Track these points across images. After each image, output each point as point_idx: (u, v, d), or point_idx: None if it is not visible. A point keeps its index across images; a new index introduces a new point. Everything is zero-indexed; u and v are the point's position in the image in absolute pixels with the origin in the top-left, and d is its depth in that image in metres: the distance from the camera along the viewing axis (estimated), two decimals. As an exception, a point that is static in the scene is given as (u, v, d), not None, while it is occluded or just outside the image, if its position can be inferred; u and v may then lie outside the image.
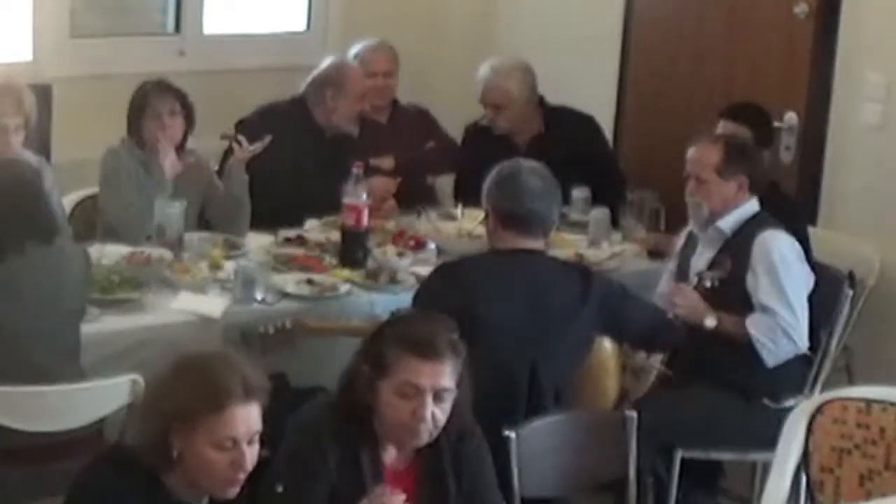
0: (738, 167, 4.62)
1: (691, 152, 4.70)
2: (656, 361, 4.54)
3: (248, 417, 3.00)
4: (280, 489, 3.29)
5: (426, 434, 3.39)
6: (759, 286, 4.49)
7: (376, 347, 3.42)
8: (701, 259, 4.67)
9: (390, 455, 3.45)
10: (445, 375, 3.38)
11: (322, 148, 5.49)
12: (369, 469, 3.39)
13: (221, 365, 3.02)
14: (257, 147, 5.03)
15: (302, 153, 5.36)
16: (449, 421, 3.42)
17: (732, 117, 5.05)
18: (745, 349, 4.49)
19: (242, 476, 3.01)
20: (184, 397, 2.97)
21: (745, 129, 4.97)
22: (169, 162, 4.92)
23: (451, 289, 4.06)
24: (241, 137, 5.07)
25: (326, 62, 5.63)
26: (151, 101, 4.94)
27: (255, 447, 3.03)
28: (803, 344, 4.54)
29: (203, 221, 5.09)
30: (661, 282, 4.85)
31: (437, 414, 3.37)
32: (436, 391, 3.37)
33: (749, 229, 4.59)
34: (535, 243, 4.20)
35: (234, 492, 3.03)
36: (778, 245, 4.53)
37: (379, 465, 3.42)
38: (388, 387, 3.37)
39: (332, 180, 5.15)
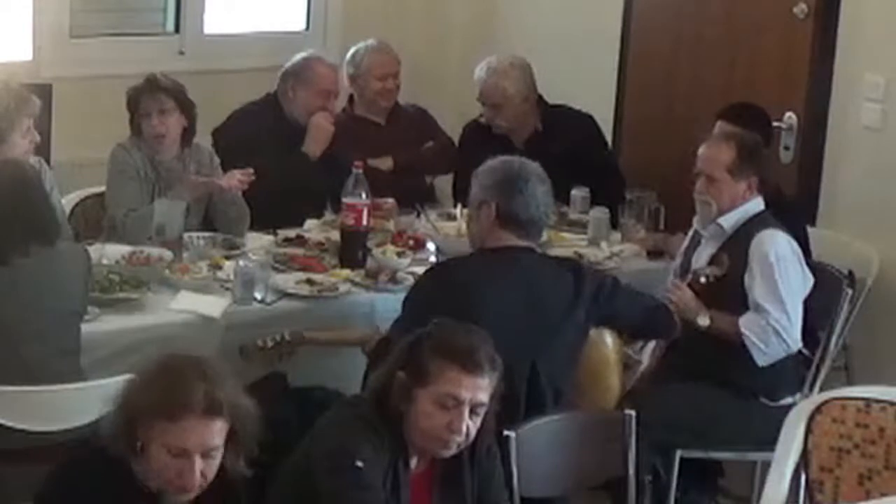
0: (750, 167, 4.61)
1: (703, 150, 4.69)
2: (645, 356, 4.55)
3: (202, 433, 2.99)
4: (360, 464, 3.29)
5: (455, 446, 3.40)
6: (755, 285, 4.49)
7: (417, 356, 3.41)
8: (702, 256, 4.67)
9: (413, 461, 3.47)
10: (484, 389, 3.40)
11: (298, 142, 5.50)
12: (403, 477, 3.40)
13: (193, 374, 3.01)
14: (245, 179, 5.01)
15: (279, 150, 5.37)
16: (476, 434, 3.43)
17: (730, 119, 5.02)
18: (741, 348, 4.49)
19: (191, 486, 3.00)
20: (148, 397, 2.99)
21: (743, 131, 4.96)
22: (191, 183, 4.93)
23: (444, 290, 4.06)
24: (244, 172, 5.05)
25: (297, 55, 5.65)
26: (142, 101, 4.94)
27: (213, 461, 3.02)
28: (795, 345, 4.53)
29: (207, 220, 5.08)
30: (668, 282, 4.85)
31: (470, 427, 3.39)
32: (473, 405, 3.38)
33: (749, 228, 4.58)
34: (527, 243, 4.21)
35: (185, 497, 3.03)
36: (775, 245, 4.52)
37: (408, 472, 3.44)
38: (426, 396, 3.37)
39: (312, 174, 5.23)
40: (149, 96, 4.93)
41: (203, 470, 3.00)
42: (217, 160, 5.12)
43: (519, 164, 4.26)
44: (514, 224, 4.18)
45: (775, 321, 4.46)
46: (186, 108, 4.99)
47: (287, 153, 5.43)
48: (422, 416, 3.38)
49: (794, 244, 4.58)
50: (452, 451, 3.41)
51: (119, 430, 3.01)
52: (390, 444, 3.39)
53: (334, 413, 3.51)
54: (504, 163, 4.28)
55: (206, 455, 3.00)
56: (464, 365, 3.37)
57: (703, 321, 4.51)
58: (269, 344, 4.28)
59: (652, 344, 4.56)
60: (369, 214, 4.90)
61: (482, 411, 3.41)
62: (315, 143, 5.51)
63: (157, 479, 3.01)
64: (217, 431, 3.01)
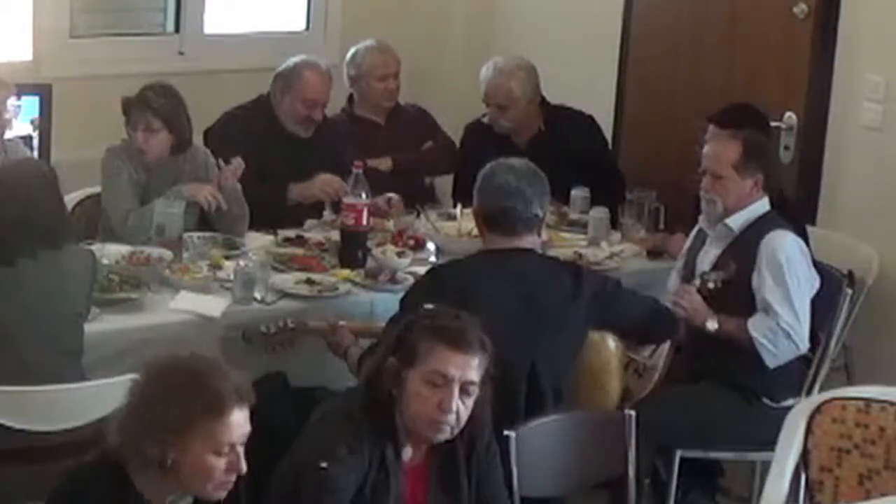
0: (756, 164, 4.59)
1: (708, 148, 4.69)
2: (660, 359, 4.54)
3: (244, 421, 3.04)
4: (324, 465, 3.30)
5: (447, 428, 3.41)
6: (764, 286, 4.49)
7: (406, 339, 3.44)
8: (707, 256, 4.66)
9: (407, 453, 3.48)
10: (474, 368, 3.41)
11: (287, 145, 5.49)
12: (393, 466, 3.41)
13: (213, 372, 3.04)
14: (238, 168, 5.00)
15: (268, 152, 5.35)
16: (468, 421, 3.44)
17: (721, 122, 4.97)
18: (746, 350, 4.49)
19: (234, 478, 3.05)
20: (184, 408, 2.97)
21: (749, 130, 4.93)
22: (194, 187, 4.94)
23: (441, 291, 4.04)
24: (225, 163, 5.01)
25: (292, 59, 5.62)
26: (132, 114, 4.92)
27: (242, 448, 3.07)
28: (804, 345, 4.54)
29: (206, 220, 5.07)
30: (670, 280, 4.86)
31: (460, 408, 3.40)
32: (463, 383, 3.39)
33: (757, 229, 4.57)
34: (522, 242, 4.20)
35: (223, 494, 3.06)
36: (785, 245, 4.52)
37: (399, 462, 3.44)
38: (416, 376, 3.39)
39: (296, 178, 5.27)
40: (138, 112, 4.90)
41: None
42: (213, 160, 5.09)
43: (492, 164, 4.27)
44: (494, 223, 4.20)
45: (785, 323, 4.46)
46: (175, 127, 4.92)
47: (273, 158, 5.38)
48: (413, 398, 3.39)
49: (803, 244, 4.59)
50: (445, 434, 3.42)
51: (146, 453, 2.98)
52: (379, 434, 3.39)
53: (322, 409, 3.53)
54: (485, 167, 4.29)
55: (243, 444, 3.05)
56: (452, 342, 3.39)
57: (712, 326, 4.51)
58: (272, 330, 4.30)
59: (665, 348, 4.55)
60: (370, 214, 4.90)
61: (473, 392, 3.42)
62: (303, 195, 5.42)
63: (199, 485, 3.01)
64: (248, 418, 3.06)
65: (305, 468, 3.35)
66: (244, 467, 3.04)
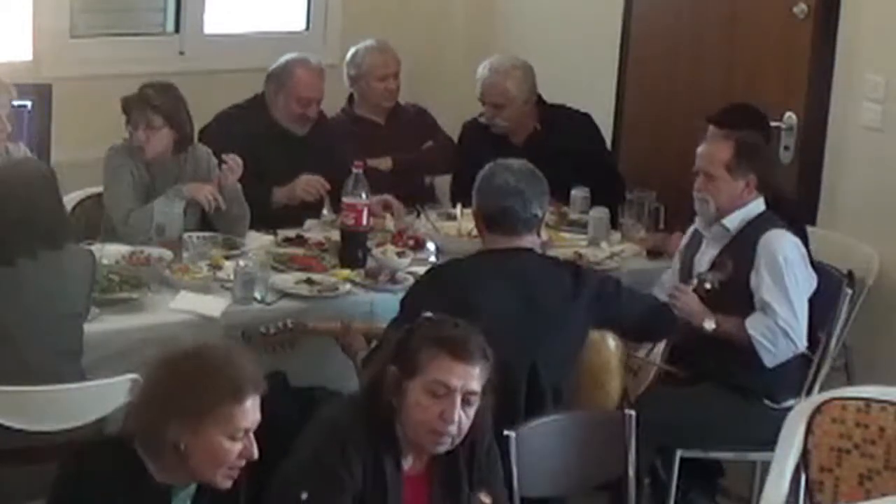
0: (749, 165, 4.60)
1: (702, 148, 4.69)
2: (656, 358, 4.55)
3: (256, 408, 3.07)
4: (304, 496, 3.29)
5: (448, 439, 3.39)
6: (762, 285, 4.49)
7: (407, 348, 3.42)
8: (704, 257, 4.67)
9: (408, 462, 3.46)
10: (475, 378, 3.39)
11: (283, 143, 5.49)
12: (392, 476, 3.39)
13: (230, 360, 3.07)
14: (236, 166, 5.00)
15: (264, 151, 5.34)
16: (469, 429, 3.42)
17: (719, 123, 4.97)
18: (745, 350, 4.49)
19: (242, 464, 3.08)
20: (202, 393, 3.01)
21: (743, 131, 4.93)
22: (194, 187, 4.92)
23: (441, 292, 4.05)
24: (227, 158, 5.01)
25: (283, 58, 5.61)
26: (132, 113, 4.92)
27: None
28: (802, 344, 4.54)
29: (206, 220, 5.07)
30: (664, 275, 4.86)
31: (462, 418, 3.38)
32: (465, 393, 3.37)
33: (754, 228, 4.58)
34: (522, 242, 4.20)
35: (230, 482, 3.08)
36: (782, 245, 4.52)
37: (400, 472, 3.42)
38: (417, 386, 3.37)
39: (294, 176, 5.27)
40: (138, 111, 4.90)
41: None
42: (214, 160, 5.09)
43: (491, 164, 4.28)
44: (494, 223, 4.20)
45: (784, 322, 4.46)
46: (177, 123, 4.93)
47: (268, 157, 5.37)
48: (414, 408, 3.37)
49: (800, 244, 4.59)
50: (447, 445, 3.40)
51: (160, 438, 3.01)
52: (376, 444, 3.38)
53: (317, 417, 3.51)
54: (484, 168, 4.29)
55: (253, 431, 3.08)
56: (454, 352, 3.37)
57: (710, 326, 4.51)
58: (272, 330, 4.31)
59: (661, 346, 4.55)
60: (370, 214, 4.90)
61: (475, 402, 3.40)
62: (287, 196, 5.41)
63: (210, 470, 3.04)
64: (259, 407, 3.09)
65: (287, 495, 3.33)
66: (256, 453, 3.06)
